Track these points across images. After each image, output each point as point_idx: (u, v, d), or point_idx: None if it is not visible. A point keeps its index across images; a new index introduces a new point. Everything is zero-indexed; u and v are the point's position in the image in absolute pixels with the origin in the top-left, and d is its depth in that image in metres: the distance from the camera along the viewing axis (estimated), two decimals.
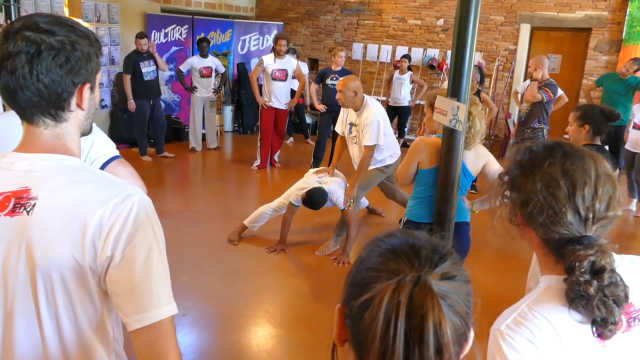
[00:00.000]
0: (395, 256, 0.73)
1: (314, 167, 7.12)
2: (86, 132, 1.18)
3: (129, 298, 1.03)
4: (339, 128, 4.84)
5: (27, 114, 1.07)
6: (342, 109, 4.75)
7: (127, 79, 7.12)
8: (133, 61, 7.10)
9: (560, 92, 6.88)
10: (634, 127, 6.21)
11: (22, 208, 1.03)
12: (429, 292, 0.67)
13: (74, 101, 1.09)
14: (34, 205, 1.03)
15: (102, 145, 1.71)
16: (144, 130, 7.41)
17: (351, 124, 4.61)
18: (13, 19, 4.93)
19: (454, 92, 2.54)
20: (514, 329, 1.08)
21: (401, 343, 0.66)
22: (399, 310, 0.66)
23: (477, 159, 2.95)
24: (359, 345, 0.72)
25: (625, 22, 7.76)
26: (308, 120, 9.67)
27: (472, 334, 0.76)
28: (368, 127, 4.35)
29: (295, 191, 4.61)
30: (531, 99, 5.86)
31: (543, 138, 6.01)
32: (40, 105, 1.05)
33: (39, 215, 1.02)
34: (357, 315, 0.72)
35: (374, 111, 4.40)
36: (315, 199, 4.41)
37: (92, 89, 1.12)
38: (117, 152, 1.76)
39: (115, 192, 1.05)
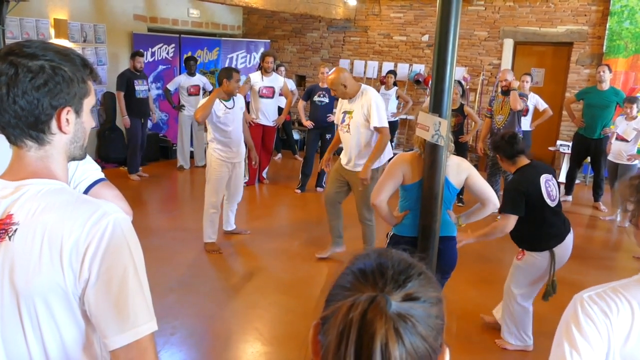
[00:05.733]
0: (363, 276, 0.75)
1: (302, 183, 7.19)
2: (77, 157, 1.18)
3: (106, 318, 1.04)
4: (335, 118, 4.88)
5: (10, 136, 1.09)
6: (339, 100, 4.78)
7: (121, 96, 7.10)
8: (127, 79, 7.10)
9: (544, 105, 7.02)
10: (616, 139, 6.31)
11: (5, 233, 1.05)
12: (380, 312, 0.68)
13: (54, 124, 1.09)
14: (15, 231, 1.04)
15: (87, 168, 1.72)
16: (137, 148, 7.34)
17: (344, 112, 4.58)
18: None
19: (436, 107, 2.59)
20: (596, 300, 1.17)
21: None
22: (350, 328, 0.68)
23: (459, 172, 2.99)
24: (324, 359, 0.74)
25: (606, 36, 7.92)
26: (296, 136, 9.71)
27: (446, 358, 0.76)
28: (372, 108, 4.38)
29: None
30: (518, 107, 6.05)
31: None
32: (19, 127, 1.07)
33: (20, 240, 1.04)
34: (322, 329, 0.75)
35: (372, 95, 4.46)
36: (229, 67, 4.94)
37: (77, 113, 1.12)
38: (101, 175, 1.77)
39: (90, 212, 1.05)
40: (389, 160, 4.52)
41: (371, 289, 0.72)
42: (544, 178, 3.26)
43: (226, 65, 9.60)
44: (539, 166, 3.39)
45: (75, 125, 1.13)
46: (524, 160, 3.37)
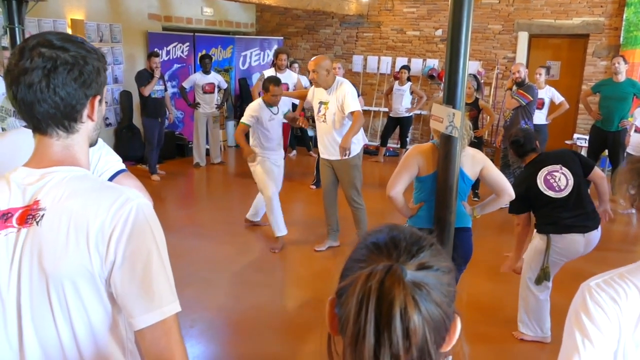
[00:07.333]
0: (377, 248, 0.78)
1: (317, 179, 7.20)
2: (93, 143, 1.24)
3: (132, 299, 1.08)
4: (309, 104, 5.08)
5: (43, 126, 1.13)
6: (311, 89, 4.95)
7: (144, 89, 7.05)
8: (146, 77, 7.14)
9: (561, 98, 6.96)
10: (635, 131, 6.24)
11: (33, 219, 1.09)
12: (398, 279, 0.71)
13: (85, 113, 1.15)
14: (42, 216, 1.09)
15: (109, 159, 1.78)
16: (154, 147, 7.40)
17: (320, 103, 4.74)
18: (18, 41, 5.02)
19: (449, 99, 2.60)
20: (603, 287, 1.17)
21: (372, 326, 0.70)
22: (370, 296, 0.71)
23: (474, 164, 3.01)
24: (342, 331, 0.77)
25: (622, 28, 7.82)
26: (310, 133, 9.70)
27: (458, 325, 0.79)
28: (346, 97, 4.55)
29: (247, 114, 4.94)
30: (510, 107, 6.25)
31: None
32: (56, 117, 1.12)
33: (47, 225, 1.08)
34: (339, 302, 0.78)
35: (347, 87, 4.63)
36: (272, 76, 5.04)
37: (100, 101, 1.18)
38: (123, 166, 1.82)
39: (114, 198, 1.10)
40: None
41: (386, 259, 0.75)
42: (544, 171, 3.30)
43: (240, 63, 9.67)
44: (543, 159, 3.41)
45: (99, 112, 1.19)
46: (530, 157, 3.45)
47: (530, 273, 3.37)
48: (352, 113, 4.57)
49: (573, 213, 3.27)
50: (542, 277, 3.29)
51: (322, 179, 5.04)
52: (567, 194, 3.26)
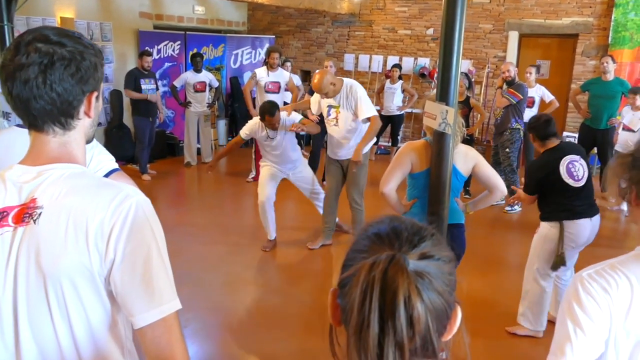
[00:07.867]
0: (379, 239, 0.79)
1: None
2: (90, 140, 1.22)
3: (132, 297, 1.06)
4: (314, 108, 5.03)
5: (39, 123, 1.11)
6: (314, 96, 4.93)
7: (129, 93, 7.13)
8: (134, 77, 7.14)
9: (551, 96, 7.03)
10: (623, 129, 6.31)
11: (30, 217, 1.07)
12: (401, 268, 0.72)
13: (82, 109, 1.13)
14: (40, 214, 1.06)
15: (102, 159, 1.77)
16: (145, 147, 7.38)
17: (330, 106, 4.67)
18: (7, 39, 4.97)
19: (442, 97, 2.62)
20: (595, 277, 1.21)
21: (376, 315, 0.71)
22: (373, 285, 0.72)
23: (466, 160, 3.03)
24: (345, 321, 0.77)
25: (611, 28, 7.90)
26: (301, 132, 9.72)
27: (458, 314, 0.80)
28: (360, 102, 4.49)
29: (244, 129, 4.91)
30: (500, 105, 6.31)
31: (521, 138, 6.25)
32: (52, 113, 1.09)
33: (45, 223, 1.06)
34: (341, 293, 0.78)
35: (358, 90, 4.55)
36: (268, 104, 4.72)
37: (97, 97, 1.16)
38: (116, 165, 1.82)
39: (113, 195, 1.08)
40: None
41: (388, 249, 0.76)
42: (567, 159, 3.36)
43: (232, 61, 9.65)
44: (565, 148, 3.48)
45: (96, 108, 1.17)
46: (552, 143, 3.48)
47: (539, 264, 3.41)
48: (368, 119, 4.54)
49: (584, 202, 3.40)
50: (558, 262, 3.36)
51: (328, 177, 5.00)
52: (583, 184, 3.37)
